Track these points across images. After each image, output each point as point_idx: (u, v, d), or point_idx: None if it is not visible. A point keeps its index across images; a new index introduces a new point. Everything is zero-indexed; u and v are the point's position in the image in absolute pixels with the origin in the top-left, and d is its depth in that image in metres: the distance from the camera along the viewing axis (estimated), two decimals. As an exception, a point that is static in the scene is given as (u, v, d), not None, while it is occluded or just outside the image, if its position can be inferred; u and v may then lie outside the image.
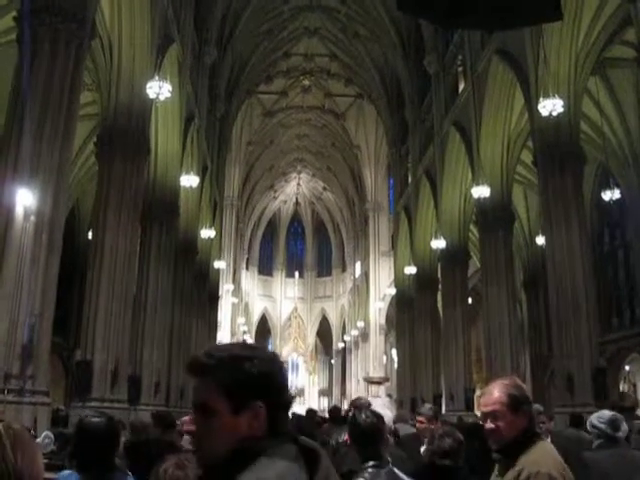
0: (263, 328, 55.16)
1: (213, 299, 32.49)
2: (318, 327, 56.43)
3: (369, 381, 41.47)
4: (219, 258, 32.68)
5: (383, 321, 42.65)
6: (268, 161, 48.21)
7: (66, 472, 3.47)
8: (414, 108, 30.48)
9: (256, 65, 36.09)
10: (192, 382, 1.51)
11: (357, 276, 49.00)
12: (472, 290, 28.60)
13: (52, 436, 9.54)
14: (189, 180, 19.59)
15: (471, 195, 20.76)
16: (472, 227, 25.41)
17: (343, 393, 49.88)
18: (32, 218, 10.52)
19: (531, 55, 16.44)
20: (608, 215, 26.09)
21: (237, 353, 1.49)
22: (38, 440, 8.90)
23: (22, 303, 10.17)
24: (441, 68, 26.21)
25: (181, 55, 20.30)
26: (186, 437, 5.74)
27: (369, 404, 7.08)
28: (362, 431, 3.68)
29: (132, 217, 15.37)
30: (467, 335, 24.05)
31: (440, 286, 26.64)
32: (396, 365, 38.50)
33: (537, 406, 6.94)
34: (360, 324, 44.97)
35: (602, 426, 4.46)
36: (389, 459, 3.57)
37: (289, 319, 53.16)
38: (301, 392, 50.63)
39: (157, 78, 13.96)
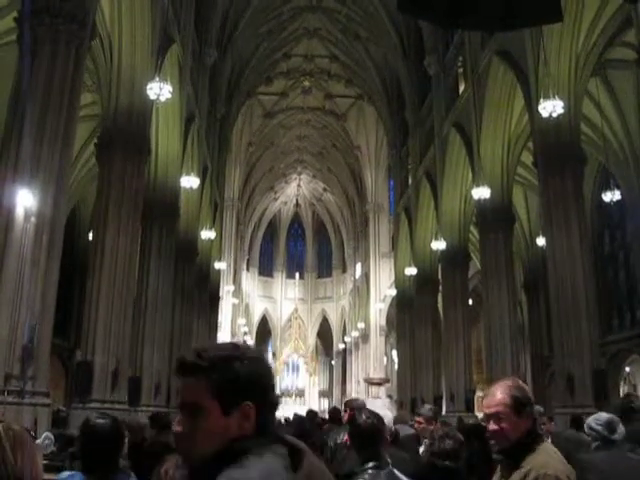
0: (263, 329, 55.15)
1: (213, 300, 32.49)
2: (318, 328, 56.42)
3: (369, 382, 41.47)
4: (219, 259, 32.68)
5: (383, 322, 42.64)
6: (268, 162, 48.23)
7: (65, 473, 3.46)
8: (414, 109, 30.48)
9: (256, 66, 36.10)
10: (180, 382, 1.51)
11: (357, 277, 48.99)
12: (472, 291, 28.59)
13: (52, 437, 9.53)
14: (189, 181, 19.57)
15: (471, 196, 20.75)
16: (472, 228, 25.41)
17: (343, 394, 49.82)
18: (32, 219, 10.51)
19: (531, 56, 16.44)
20: (608, 216, 26.10)
21: (227, 353, 1.49)
22: (38, 441, 8.90)
23: (22, 304, 10.16)
24: (441, 69, 26.20)
25: (181, 56, 20.30)
26: None
27: (364, 405, 7.10)
28: (362, 432, 3.68)
29: (132, 218, 15.37)
30: (467, 336, 24.03)
31: (440, 287, 26.65)
32: (396, 366, 38.49)
33: (538, 407, 6.93)
34: (360, 325, 44.97)
35: (599, 428, 4.47)
36: (389, 460, 3.56)
37: (289, 320, 53.14)
38: (301, 393, 50.65)
39: (157, 79, 13.94)
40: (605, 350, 20.19)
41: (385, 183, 44.19)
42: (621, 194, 20.92)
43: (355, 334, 46.66)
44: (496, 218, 20.25)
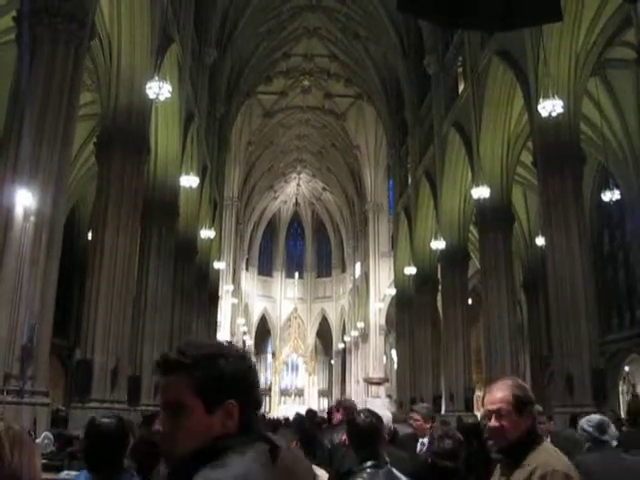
0: (263, 328, 55.16)
1: (213, 299, 32.52)
2: (318, 328, 56.44)
3: (369, 382, 41.49)
4: (219, 258, 32.68)
5: (383, 322, 42.64)
6: (268, 161, 48.23)
7: (69, 472, 3.47)
8: (414, 108, 30.48)
9: (256, 65, 36.10)
10: (162, 380, 1.49)
11: (357, 276, 49.00)
12: (472, 291, 28.60)
13: (52, 437, 9.55)
14: (189, 180, 19.57)
15: (471, 196, 20.75)
16: (472, 228, 25.41)
17: (343, 394, 49.82)
18: (32, 218, 10.51)
19: (531, 56, 16.45)
20: (608, 216, 26.11)
21: (210, 351, 1.48)
22: (38, 441, 8.90)
23: (22, 303, 10.16)
24: (441, 68, 26.20)
25: (181, 55, 20.29)
26: None
27: (355, 405, 7.12)
28: (360, 431, 3.68)
29: (132, 217, 15.38)
30: (467, 336, 24.05)
31: (440, 287, 26.64)
32: (396, 366, 38.50)
33: (536, 406, 6.93)
34: (360, 325, 44.98)
35: (590, 429, 4.55)
36: (387, 459, 3.56)
37: (289, 320, 53.12)
38: (301, 393, 50.66)
39: (157, 78, 13.93)
40: (604, 349, 20.19)
41: (384, 182, 44.18)
42: (620, 193, 20.90)
43: (354, 333, 46.67)
44: (495, 217, 20.26)
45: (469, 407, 22.57)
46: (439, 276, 26.68)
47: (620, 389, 24.85)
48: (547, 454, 2.70)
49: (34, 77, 10.92)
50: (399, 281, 32.76)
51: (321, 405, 48.05)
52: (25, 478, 1.53)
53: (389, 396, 40.56)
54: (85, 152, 23.63)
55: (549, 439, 4.54)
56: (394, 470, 3.49)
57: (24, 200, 10.43)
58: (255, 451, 1.39)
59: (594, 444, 4.51)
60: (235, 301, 44.35)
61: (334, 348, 54.44)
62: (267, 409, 47.91)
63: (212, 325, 32.55)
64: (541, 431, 3.06)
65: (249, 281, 53.45)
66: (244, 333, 48.33)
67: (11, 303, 10.13)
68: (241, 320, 46.58)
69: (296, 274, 56.88)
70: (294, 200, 57.20)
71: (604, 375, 15.29)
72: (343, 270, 55.03)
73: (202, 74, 25.61)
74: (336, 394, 50.85)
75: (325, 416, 11.74)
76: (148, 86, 13.97)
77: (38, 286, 10.45)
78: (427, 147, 27.85)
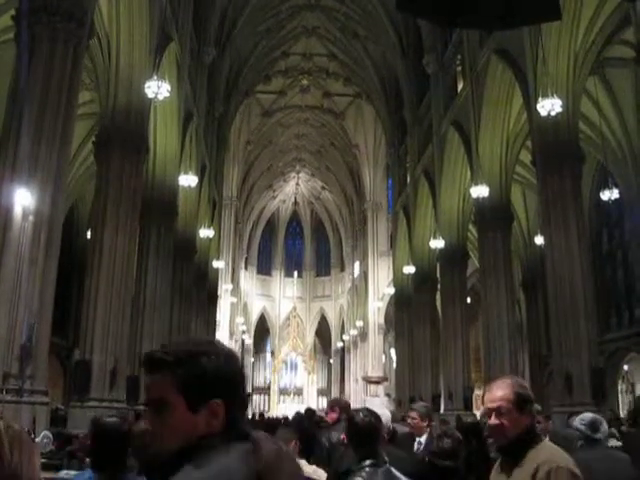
0: (262, 327, 55.17)
1: (212, 298, 32.53)
2: (317, 327, 56.45)
3: (368, 380, 41.48)
4: (218, 258, 32.70)
5: (382, 321, 42.66)
6: (267, 161, 48.22)
7: (63, 472, 3.47)
8: (413, 108, 30.47)
9: (255, 64, 36.09)
10: (147, 378, 1.49)
11: (356, 276, 49.00)
12: (471, 290, 28.64)
13: (51, 436, 9.56)
14: (188, 180, 19.56)
15: (470, 195, 20.75)
16: (471, 227, 25.41)
17: (342, 392, 49.86)
18: (30, 218, 10.51)
19: (530, 55, 16.45)
20: (607, 215, 26.13)
21: (195, 349, 1.47)
22: (37, 440, 8.91)
23: (21, 303, 10.16)
24: (440, 68, 26.20)
25: (180, 54, 20.28)
26: None
27: (348, 404, 7.12)
28: (359, 430, 3.68)
29: (131, 216, 15.37)
30: (466, 335, 24.05)
31: (439, 286, 26.64)
32: (395, 364, 38.52)
33: (535, 406, 6.94)
34: (359, 324, 44.99)
35: (582, 428, 4.61)
36: (386, 458, 3.57)
37: (288, 319, 53.12)
38: (300, 391, 50.67)
39: (155, 77, 13.91)
40: (603, 348, 20.21)
41: (383, 182, 44.18)
42: (619, 192, 20.91)
43: (353, 332, 46.69)
44: (494, 217, 20.26)
45: (468, 406, 22.59)
46: (438, 275, 26.68)
47: (619, 388, 24.89)
48: (550, 451, 2.72)
49: (33, 76, 10.91)
50: (398, 280, 32.76)
51: (320, 404, 48.04)
52: (24, 477, 1.53)
53: (388, 395, 40.58)
54: (84, 151, 23.61)
55: (547, 438, 4.56)
56: (393, 469, 3.49)
57: (23, 199, 10.42)
58: (238, 450, 1.37)
59: (586, 442, 4.57)
60: (234, 300, 44.37)
61: (333, 347, 54.46)
62: (266, 408, 47.98)
63: (211, 324, 32.57)
64: (539, 430, 3.07)
65: (248, 280, 53.45)
66: (243, 332, 48.35)
67: (10, 302, 10.13)
68: (240, 319, 46.59)
69: (295, 273, 56.88)
70: (293, 199, 57.20)
71: (603, 374, 15.30)
72: (342, 269, 55.04)
73: (201, 73, 25.61)
74: (335, 393, 50.88)
75: (324, 415, 11.75)
76: (147, 85, 13.96)
77: (37, 285, 10.45)
78: (426, 146, 27.85)
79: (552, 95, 13.70)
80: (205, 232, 25.34)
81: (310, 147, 48.23)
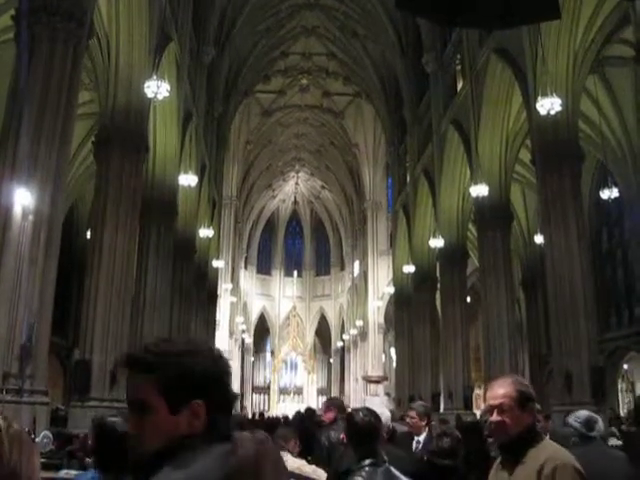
0: (262, 327, 55.17)
1: (212, 298, 32.53)
2: (317, 326, 56.44)
3: (368, 380, 41.48)
4: (218, 257, 32.70)
5: (382, 320, 42.66)
6: (266, 160, 48.20)
7: (63, 471, 3.47)
8: (412, 107, 30.47)
9: (254, 64, 36.07)
10: (129, 379, 1.48)
11: (356, 275, 49.00)
12: (471, 289, 28.63)
13: (51, 435, 9.56)
14: (187, 179, 19.56)
15: (469, 194, 20.74)
16: (470, 226, 25.41)
17: (342, 392, 49.89)
18: (30, 217, 10.50)
19: (529, 53, 16.44)
20: (606, 214, 26.13)
21: (177, 349, 1.45)
22: (37, 440, 8.91)
23: (20, 302, 10.15)
24: (439, 67, 26.20)
25: (179, 54, 20.28)
26: None
27: (343, 403, 7.14)
28: (359, 430, 3.68)
29: (130, 216, 15.36)
30: (466, 334, 24.05)
31: (439, 285, 26.65)
32: (395, 364, 38.51)
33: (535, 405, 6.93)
34: (359, 323, 44.98)
35: (577, 425, 4.62)
36: (385, 458, 3.57)
37: (288, 318, 53.11)
38: (300, 391, 50.66)
39: (155, 77, 13.91)
40: (603, 347, 20.21)
41: (383, 181, 44.18)
42: (619, 191, 20.93)
43: (353, 332, 46.68)
44: (494, 216, 20.26)
45: (468, 405, 22.59)
46: (438, 274, 26.68)
47: (619, 387, 24.90)
48: (553, 449, 2.74)
49: (32, 76, 10.90)
50: (398, 279, 32.76)
51: (320, 404, 48.04)
52: (24, 476, 1.53)
53: (388, 394, 40.58)
54: (83, 151, 23.60)
55: (548, 437, 4.56)
56: (392, 469, 3.49)
57: (22, 199, 10.42)
58: (217, 451, 1.35)
59: (581, 440, 4.57)
60: (234, 300, 44.37)
61: (333, 346, 54.45)
62: (266, 407, 48.00)
63: (211, 324, 32.56)
64: (539, 429, 3.08)
65: (248, 280, 53.45)
66: (243, 332, 48.37)
67: (10, 302, 10.12)
68: (240, 319, 46.61)
69: (295, 272, 56.86)
70: (293, 199, 57.19)
71: (603, 373, 15.30)
72: (342, 268, 55.03)
73: (200, 73, 25.60)
74: (335, 392, 50.89)
75: (321, 414, 11.76)
76: (146, 85, 13.95)
77: (37, 285, 10.44)
78: (426, 145, 27.85)
79: (552, 94, 13.70)
80: (205, 232, 25.35)
81: (310, 146, 48.22)
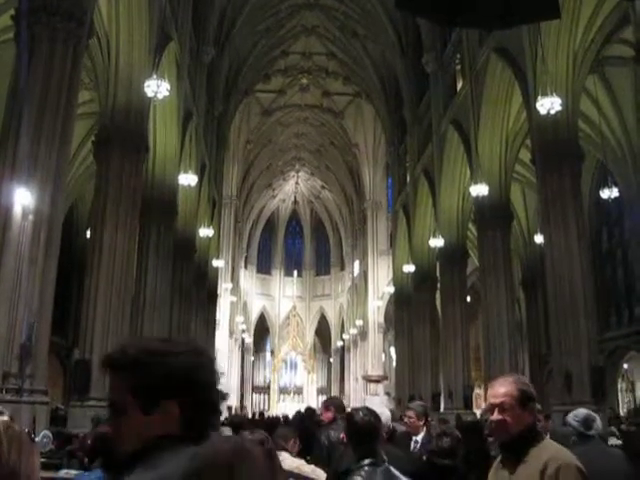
0: (261, 327, 55.17)
1: (212, 298, 32.53)
2: (317, 326, 56.45)
3: (368, 379, 41.49)
4: (218, 257, 32.69)
5: (382, 319, 42.66)
6: (266, 160, 48.20)
7: (63, 471, 3.47)
8: (412, 107, 30.47)
9: (254, 64, 36.08)
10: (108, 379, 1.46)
11: (356, 275, 49.00)
12: (471, 288, 28.64)
13: (50, 435, 9.55)
14: (187, 179, 19.56)
15: (469, 194, 20.75)
16: (470, 226, 25.42)
17: (342, 392, 49.89)
18: (30, 217, 10.50)
19: (529, 53, 16.44)
20: (606, 214, 26.14)
21: (152, 349, 1.43)
22: (37, 439, 8.91)
23: (20, 302, 10.15)
24: (439, 66, 26.20)
25: (179, 54, 20.28)
26: None
27: (341, 403, 7.13)
28: (358, 429, 3.68)
29: (130, 216, 15.36)
30: (466, 333, 24.05)
31: (439, 284, 26.66)
32: (394, 363, 38.52)
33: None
34: (359, 322, 44.99)
35: (575, 424, 4.64)
36: (385, 457, 3.57)
37: (288, 318, 53.11)
38: (300, 391, 50.69)
39: (155, 77, 13.91)
40: (603, 347, 20.23)
41: (383, 181, 44.19)
42: (619, 191, 20.94)
43: (353, 331, 46.69)
44: (494, 215, 20.26)
45: (468, 405, 22.59)
46: (438, 274, 26.68)
47: (619, 387, 24.92)
48: (555, 448, 2.75)
49: (32, 76, 10.90)
50: (398, 279, 32.77)
51: (320, 403, 48.01)
52: (23, 476, 1.53)
53: (388, 394, 40.58)
54: (83, 150, 23.60)
55: (548, 436, 4.57)
56: (392, 468, 3.49)
57: (22, 199, 10.42)
58: (187, 452, 1.33)
59: (580, 438, 4.59)
60: (234, 299, 44.38)
61: (333, 346, 54.46)
62: (266, 407, 48.01)
63: (211, 323, 32.56)
64: (539, 429, 3.08)
65: (248, 279, 53.45)
66: (243, 331, 48.38)
67: (10, 301, 10.12)
68: (240, 318, 46.62)
69: (295, 272, 56.87)
70: (293, 198, 57.19)
71: (603, 373, 15.31)
72: (342, 268, 55.04)
73: (200, 72, 25.60)
74: (335, 392, 50.90)
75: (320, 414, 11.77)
76: (146, 84, 13.96)
77: (37, 285, 10.44)
78: (426, 145, 27.85)
79: (551, 94, 13.70)
80: (205, 231, 25.35)
81: (310, 146, 48.22)
